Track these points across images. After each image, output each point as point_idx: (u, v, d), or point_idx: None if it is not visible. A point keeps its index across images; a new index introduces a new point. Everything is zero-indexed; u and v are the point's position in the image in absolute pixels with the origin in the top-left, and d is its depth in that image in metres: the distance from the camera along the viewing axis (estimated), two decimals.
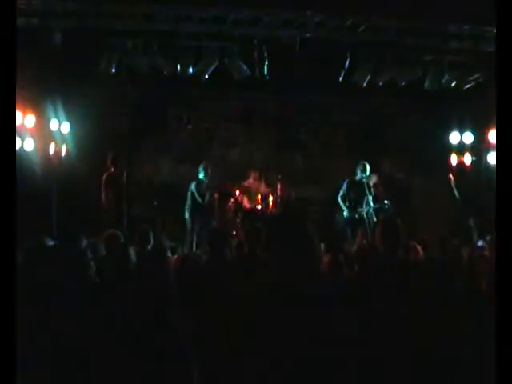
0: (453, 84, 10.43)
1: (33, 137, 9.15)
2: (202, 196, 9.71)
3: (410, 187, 11.76)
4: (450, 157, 10.69)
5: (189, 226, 9.68)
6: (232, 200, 10.57)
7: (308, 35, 9.24)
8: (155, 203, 10.42)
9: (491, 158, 9.78)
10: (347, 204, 9.80)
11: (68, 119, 9.51)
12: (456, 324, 3.66)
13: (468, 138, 10.44)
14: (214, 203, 10.11)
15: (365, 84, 10.28)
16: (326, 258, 4.94)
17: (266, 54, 9.76)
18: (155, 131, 11.40)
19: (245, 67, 9.84)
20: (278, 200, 10.58)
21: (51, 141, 9.44)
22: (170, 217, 10.38)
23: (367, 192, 9.61)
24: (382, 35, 9.18)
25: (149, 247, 5.80)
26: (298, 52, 9.47)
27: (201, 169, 9.75)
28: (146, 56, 9.48)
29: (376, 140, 11.65)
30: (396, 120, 12.03)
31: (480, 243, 6.59)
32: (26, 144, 9.00)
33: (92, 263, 3.92)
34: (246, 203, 10.68)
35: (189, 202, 9.74)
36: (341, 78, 10.15)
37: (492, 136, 9.41)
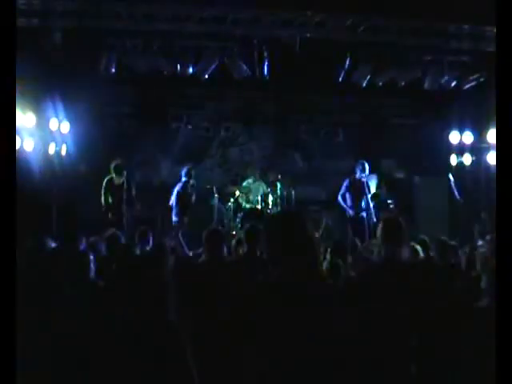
0: (453, 84, 10.44)
1: (33, 137, 9.14)
2: (188, 196, 9.74)
3: (410, 187, 11.77)
4: (450, 157, 10.68)
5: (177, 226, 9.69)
6: (232, 200, 10.59)
7: (308, 35, 9.24)
8: (155, 203, 10.40)
9: (491, 158, 9.77)
10: (347, 203, 9.81)
11: (68, 119, 9.50)
12: (456, 324, 3.66)
13: (468, 138, 10.43)
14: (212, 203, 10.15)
15: (365, 84, 10.29)
16: (326, 258, 4.95)
17: (266, 54, 9.77)
18: (155, 131, 11.40)
19: (245, 67, 9.84)
20: (278, 200, 10.58)
21: (51, 141, 9.44)
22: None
23: (367, 191, 9.61)
24: (382, 35, 9.18)
25: (148, 247, 5.81)
26: (298, 52, 9.47)
27: (185, 171, 9.77)
28: (145, 56, 9.49)
29: (376, 140, 11.65)
30: (396, 120, 12.04)
31: (480, 243, 6.59)
32: (25, 144, 8.99)
33: (92, 263, 3.91)
34: (246, 203, 10.68)
35: (175, 203, 9.76)
36: (341, 78, 10.16)
37: (492, 136, 9.41)
